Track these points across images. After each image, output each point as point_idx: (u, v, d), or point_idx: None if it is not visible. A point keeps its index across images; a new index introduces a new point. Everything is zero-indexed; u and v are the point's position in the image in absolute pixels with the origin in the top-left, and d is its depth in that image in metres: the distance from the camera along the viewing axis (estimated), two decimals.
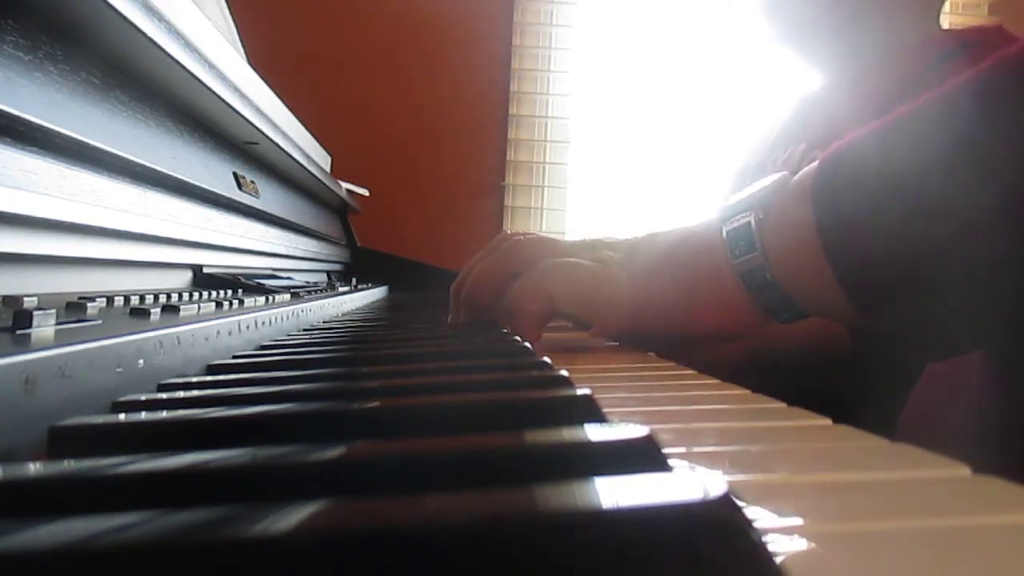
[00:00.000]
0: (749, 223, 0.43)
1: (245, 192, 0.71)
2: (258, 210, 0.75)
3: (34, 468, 0.16)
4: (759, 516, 0.14)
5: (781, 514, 0.15)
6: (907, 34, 0.71)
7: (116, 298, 0.38)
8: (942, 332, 0.40)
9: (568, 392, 0.23)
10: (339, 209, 1.41)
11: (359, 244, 1.46)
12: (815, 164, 0.41)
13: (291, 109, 0.88)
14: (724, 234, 0.44)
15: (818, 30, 0.73)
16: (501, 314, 0.53)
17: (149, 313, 0.34)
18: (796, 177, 0.43)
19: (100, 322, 0.29)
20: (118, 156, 0.43)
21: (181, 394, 0.27)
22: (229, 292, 0.53)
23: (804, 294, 0.42)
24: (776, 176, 0.44)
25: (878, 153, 0.38)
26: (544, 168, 2.01)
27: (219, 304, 0.42)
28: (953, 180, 0.35)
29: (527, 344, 0.41)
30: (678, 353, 0.51)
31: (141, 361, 0.28)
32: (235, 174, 0.70)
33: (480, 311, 0.55)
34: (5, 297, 0.30)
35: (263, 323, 0.46)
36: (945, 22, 2.06)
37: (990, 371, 0.50)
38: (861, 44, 0.72)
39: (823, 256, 0.39)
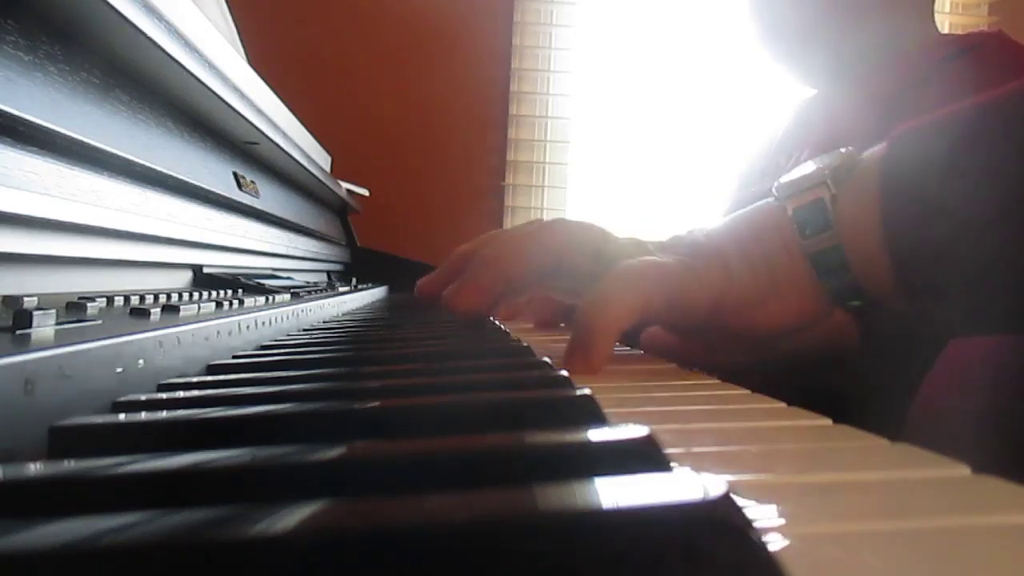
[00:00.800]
0: (822, 199, 0.39)
1: (245, 192, 0.71)
2: (258, 210, 0.75)
3: (34, 468, 0.16)
4: (759, 516, 0.14)
5: (781, 514, 0.15)
6: (907, 37, 0.71)
7: (116, 298, 0.38)
8: (988, 323, 0.38)
9: (568, 392, 0.23)
10: (339, 209, 1.41)
11: (359, 244, 1.46)
12: (882, 146, 0.39)
13: (291, 109, 0.88)
14: (790, 212, 0.40)
15: (814, 35, 0.73)
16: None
17: (149, 313, 0.34)
18: (866, 154, 0.40)
19: (100, 322, 0.29)
20: (118, 156, 0.43)
21: (181, 394, 0.27)
22: (229, 292, 0.53)
23: (870, 281, 0.38)
24: (840, 151, 0.40)
25: (949, 143, 0.36)
26: (544, 168, 2.01)
27: (219, 304, 0.42)
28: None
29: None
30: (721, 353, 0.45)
31: (141, 361, 0.28)
32: (235, 174, 0.70)
33: (488, 298, 0.45)
34: (5, 297, 0.30)
35: (263, 323, 0.46)
36: (945, 22, 2.07)
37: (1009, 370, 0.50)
38: (860, 48, 0.72)
39: (885, 248, 0.37)
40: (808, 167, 0.40)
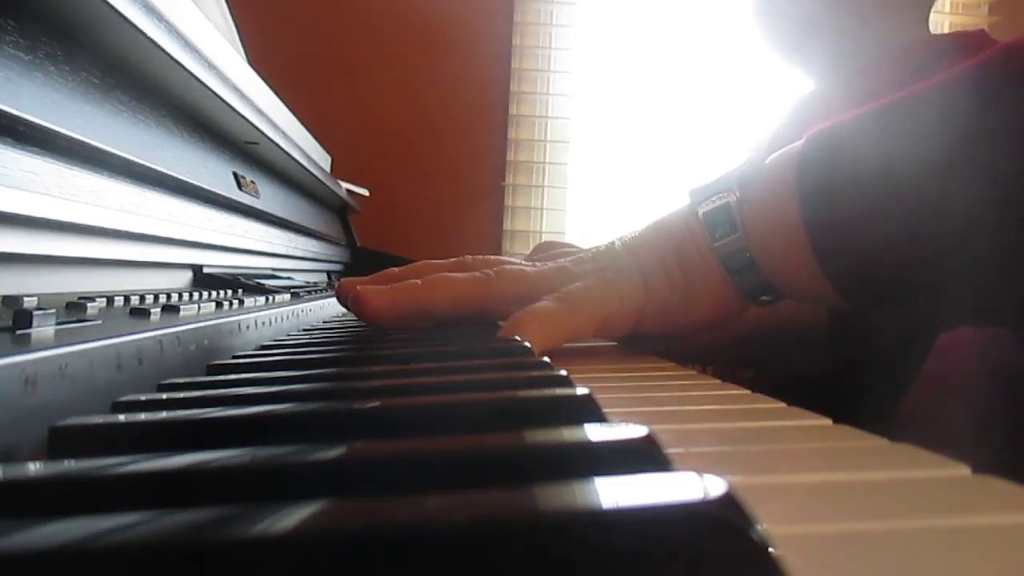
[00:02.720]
0: (728, 204, 0.41)
1: (245, 192, 0.71)
2: (258, 210, 0.75)
3: (34, 468, 0.16)
4: (759, 516, 0.14)
5: (781, 514, 0.15)
6: (902, 35, 0.71)
7: (116, 298, 0.38)
8: (935, 320, 0.40)
9: (568, 391, 0.23)
10: (339, 209, 1.41)
11: (359, 244, 1.46)
12: (796, 147, 0.39)
13: (291, 109, 0.88)
14: (700, 216, 0.42)
15: (816, 32, 0.74)
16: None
17: (149, 313, 0.34)
18: (772, 159, 0.41)
19: (100, 322, 0.29)
20: (118, 156, 0.43)
21: (181, 394, 0.27)
22: (229, 292, 0.53)
23: (787, 280, 0.40)
24: (746, 158, 0.42)
25: (871, 143, 0.37)
26: (544, 168, 2.01)
27: (219, 304, 0.42)
28: (952, 176, 0.34)
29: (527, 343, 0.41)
30: (675, 348, 0.50)
31: (141, 361, 0.28)
32: (235, 174, 0.70)
33: (415, 316, 0.47)
34: (5, 297, 0.30)
35: (263, 323, 0.46)
36: (945, 22, 2.07)
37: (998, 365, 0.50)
38: (859, 45, 0.72)
39: (811, 252, 0.38)
40: (717, 173, 0.43)
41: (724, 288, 0.42)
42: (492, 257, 0.50)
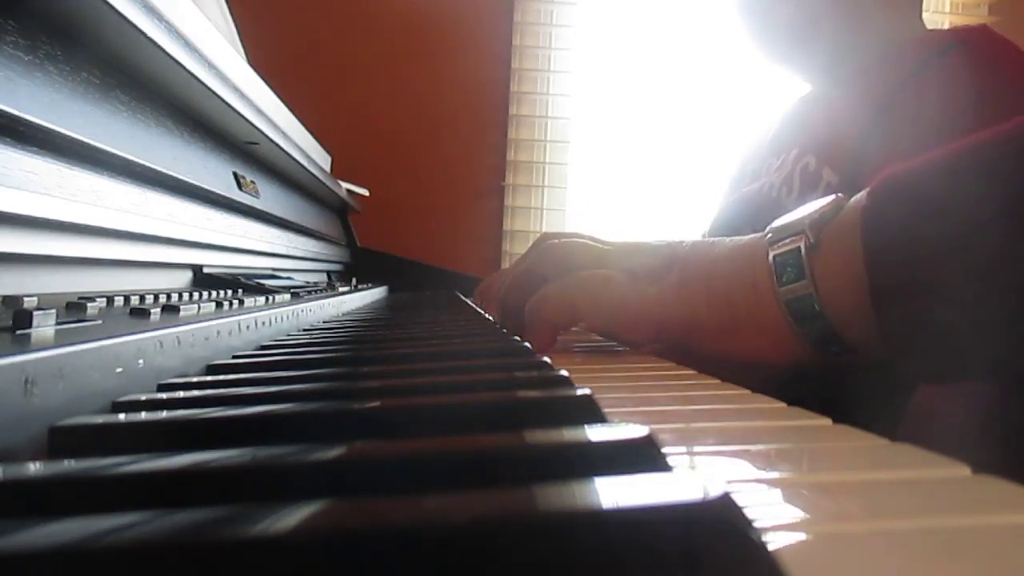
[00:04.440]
0: (799, 249, 0.39)
1: (245, 192, 0.71)
2: (258, 210, 0.75)
3: (34, 468, 0.16)
4: (759, 516, 0.14)
5: (781, 514, 0.15)
6: (901, 33, 0.71)
7: (116, 298, 0.38)
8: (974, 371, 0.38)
9: (568, 392, 0.23)
10: (339, 209, 1.41)
11: (359, 244, 1.46)
12: (864, 194, 0.38)
13: (291, 109, 0.88)
14: (771, 258, 0.41)
15: (815, 32, 0.73)
16: (520, 321, 0.50)
17: (149, 313, 0.34)
18: (851, 202, 0.40)
19: (100, 322, 0.29)
20: (118, 156, 0.43)
21: (181, 394, 0.27)
22: (229, 292, 0.53)
23: (850, 329, 0.39)
24: (830, 198, 0.41)
25: (935, 190, 0.36)
26: (544, 168, 2.01)
27: (219, 304, 0.42)
28: (1018, 237, 0.32)
29: (527, 345, 0.41)
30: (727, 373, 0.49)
31: (141, 361, 0.28)
32: (235, 174, 0.70)
33: (513, 315, 0.52)
34: (5, 297, 0.30)
35: (263, 323, 0.46)
36: (945, 22, 2.07)
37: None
38: (859, 44, 0.72)
39: (867, 299, 0.36)
40: (796, 213, 0.42)
41: (778, 331, 0.41)
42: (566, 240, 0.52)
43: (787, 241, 0.41)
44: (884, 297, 0.36)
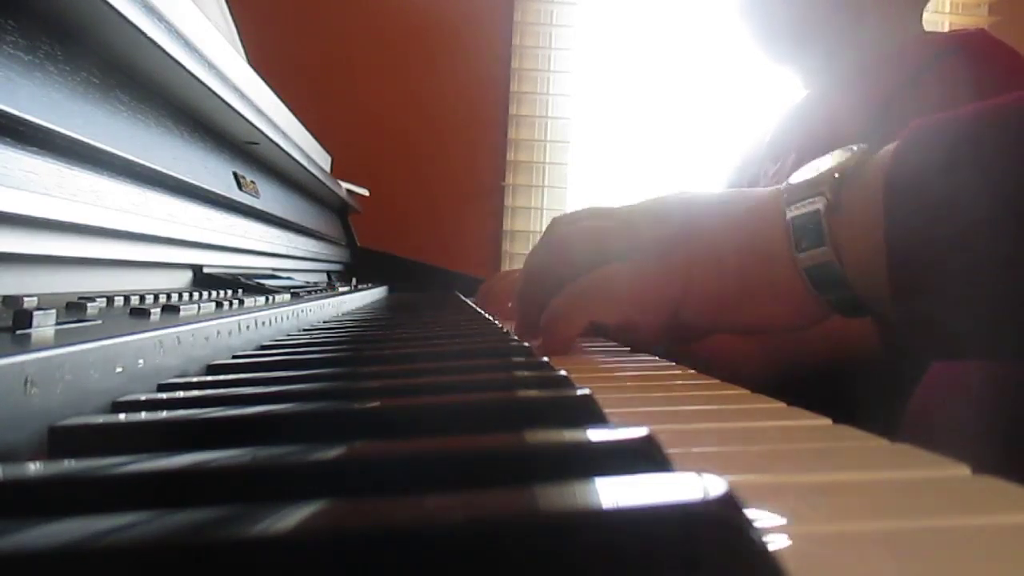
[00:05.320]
0: (818, 211, 0.37)
1: (245, 192, 0.71)
2: (258, 210, 0.75)
3: (34, 468, 0.16)
4: (759, 516, 0.14)
5: (781, 514, 0.15)
6: (900, 33, 0.71)
7: (116, 298, 0.38)
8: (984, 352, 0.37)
9: (568, 392, 0.23)
10: (339, 209, 1.41)
11: (359, 244, 1.46)
12: (891, 149, 0.36)
13: (291, 109, 0.88)
14: (788, 218, 0.38)
15: (815, 32, 0.73)
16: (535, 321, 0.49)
17: (149, 313, 0.34)
18: (875, 158, 0.37)
19: (100, 322, 0.29)
20: (118, 156, 0.43)
21: (181, 394, 0.27)
22: (229, 292, 0.53)
23: (876, 301, 0.36)
24: (853, 149, 0.38)
25: (954, 144, 0.33)
26: (544, 168, 2.01)
27: (219, 304, 0.42)
28: None
29: (526, 344, 0.41)
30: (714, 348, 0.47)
31: (141, 361, 0.28)
32: (235, 174, 0.70)
33: (534, 313, 0.50)
34: (5, 297, 0.30)
35: (263, 323, 0.46)
36: (945, 22, 2.07)
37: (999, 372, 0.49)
38: (858, 44, 0.72)
39: (885, 262, 0.34)
40: (813, 169, 0.39)
41: (796, 295, 0.39)
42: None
43: (805, 202, 0.38)
44: (901, 286, 0.34)
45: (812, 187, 0.38)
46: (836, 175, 0.37)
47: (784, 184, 0.41)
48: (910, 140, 0.35)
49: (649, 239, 0.44)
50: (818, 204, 0.37)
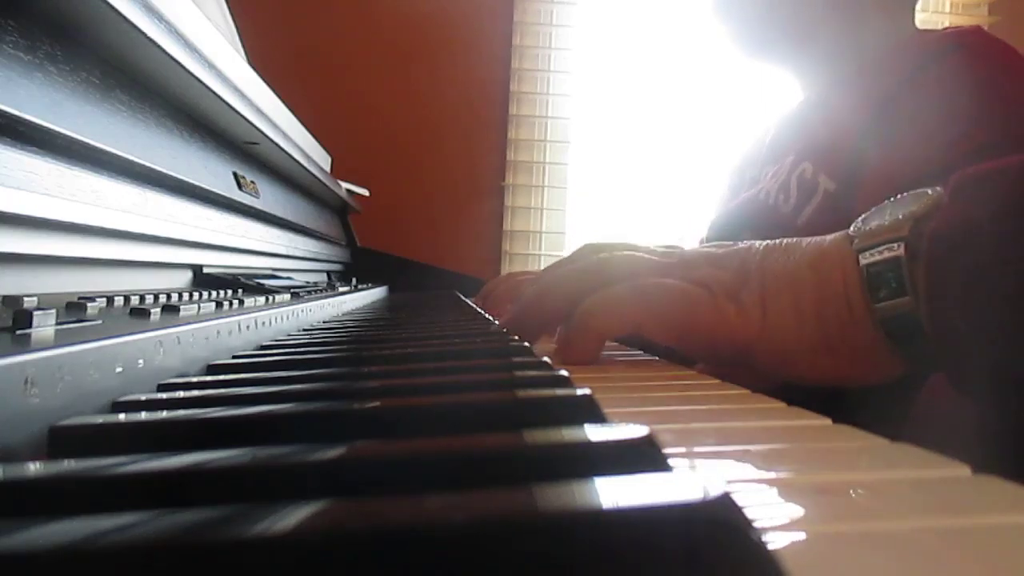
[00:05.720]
0: (899, 259, 0.34)
1: (245, 192, 0.71)
2: (258, 210, 0.75)
3: (34, 468, 0.16)
4: (759, 516, 0.14)
5: (781, 514, 0.15)
6: (897, 33, 0.71)
7: (116, 298, 0.38)
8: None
9: (568, 392, 0.23)
10: (339, 209, 1.41)
11: (359, 244, 1.46)
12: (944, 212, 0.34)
13: (291, 109, 0.88)
14: (861, 266, 0.36)
15: (815, 35, 0.73)
16: (538, 328, 0.46)
17: (149, 313, 0.34)
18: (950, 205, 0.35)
19: (100, 322, 0.29)
20: (118, 156, 0.43)
21: (181, 394, 0.27)
22: (229, 292, 0.53)
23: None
24: (928, 192, 0.36)
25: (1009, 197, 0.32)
26: (544, 168, 2.01)
27: (219, 304, 0.42)
28: None
29: (527, 344, 0.41)
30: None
31: (141, 361, 0.28)
32: (235, 174, 0.70)
33: (543, 321, 0.47)
34: (5, 297, 0.30)
35: (263, 323, 0.46)
36: (945, 22, 2.07)
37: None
38: (858, 45, 0.72)
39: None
40: (882, 212, 0.37)
41: (872, 349, 0.37)
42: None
43: (881, 249, 0.35)
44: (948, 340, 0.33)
45: (890, 232, 0.36)
46: (916, 220, 0.35)
47: (851, 228, 0.38)
48: (964, 182, 0.34)
49: (711, 273, 0.41)
50: (898, 251, 0.35)
